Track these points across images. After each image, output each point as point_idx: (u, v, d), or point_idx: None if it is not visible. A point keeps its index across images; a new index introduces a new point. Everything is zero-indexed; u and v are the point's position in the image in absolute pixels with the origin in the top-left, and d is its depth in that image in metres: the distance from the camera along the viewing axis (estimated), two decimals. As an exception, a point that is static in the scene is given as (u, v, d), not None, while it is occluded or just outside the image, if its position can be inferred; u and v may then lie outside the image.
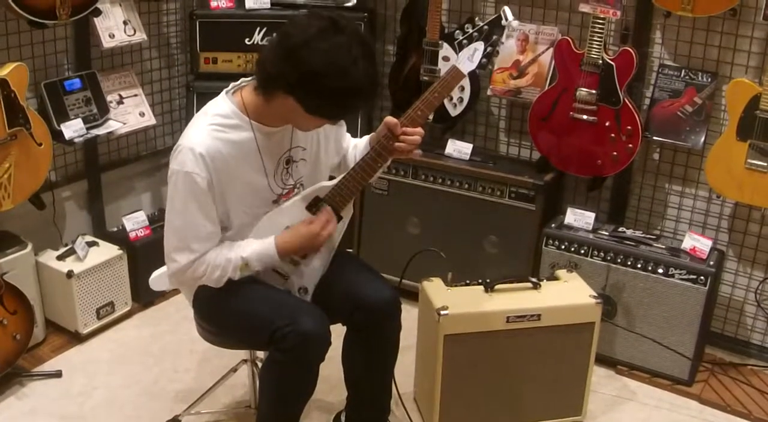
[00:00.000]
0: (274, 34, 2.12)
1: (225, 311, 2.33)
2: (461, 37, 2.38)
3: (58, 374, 3.03)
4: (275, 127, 2.25)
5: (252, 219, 2.32)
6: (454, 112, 3.39)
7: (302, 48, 2.01)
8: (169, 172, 2.20)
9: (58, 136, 3.12)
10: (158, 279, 2.52)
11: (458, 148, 3.41)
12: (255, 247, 2.28)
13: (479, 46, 2.32)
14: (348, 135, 2.57)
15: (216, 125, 2.18)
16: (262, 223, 2.33)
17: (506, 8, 2.39)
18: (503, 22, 2.37)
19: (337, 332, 2.44)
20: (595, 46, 3.00)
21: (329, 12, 2.10)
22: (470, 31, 2.38)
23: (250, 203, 2.30)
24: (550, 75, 3.28)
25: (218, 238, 2.27)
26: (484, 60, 2.35)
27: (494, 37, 2.37)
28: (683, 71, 3.09)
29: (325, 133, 2.42)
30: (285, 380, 2.29)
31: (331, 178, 2.42)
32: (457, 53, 3.30)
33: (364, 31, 3.36)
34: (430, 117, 3.11)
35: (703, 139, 3.06)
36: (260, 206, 2.32)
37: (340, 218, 2.37)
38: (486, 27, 2.37)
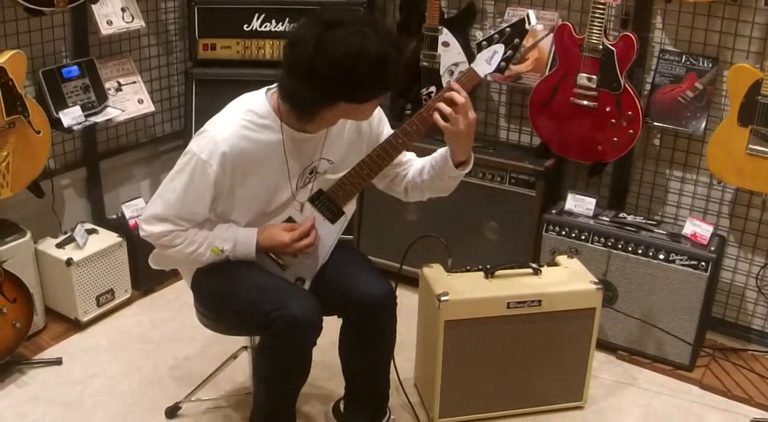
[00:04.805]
0: (280, 71, 2.09)
1: (219, 295, 2.34)
2: (481, 38, 2.27)
3: (58, 361, 3.03)
4: (310, 134, 2.23)
5: (257, 217, 2.31)
6: (454, 98, 3.37)
7: (317, 61, 1.98)
8: (187, 148, 2.18)
9: (56, 123, 3.11)
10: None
11: (458, 134, 3.39)
12: (233, 234, 2.27)
13: (499, 48, 2.22)
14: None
15: (248, 122, 2.17)
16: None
17: (531, 12, 2.26)
18: (527, 26, 2.25)
19: (335, 322, 2.45)
20: (595, 31, 2.99)
21: (307, 15, 2.07)
22: (491, 32, 2.26)
23: (262, 205, 2.29)
24: (550, 60, 3.26)
25: (203, 221, 2.26)
26: (503, 63, 2.25)
27: (516, 40, 2.24)
28: (684, 57, 3.08)
29: (360, 147, 2.37)
30: (276, 365, 2.29)
31: None
32: (458, 41, 3.29)
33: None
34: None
35: (704, 124, 3.05)
36: (275, 208, 2.31)
37: (342, 213, 2.36)
38: (508, 29, 2.24)
